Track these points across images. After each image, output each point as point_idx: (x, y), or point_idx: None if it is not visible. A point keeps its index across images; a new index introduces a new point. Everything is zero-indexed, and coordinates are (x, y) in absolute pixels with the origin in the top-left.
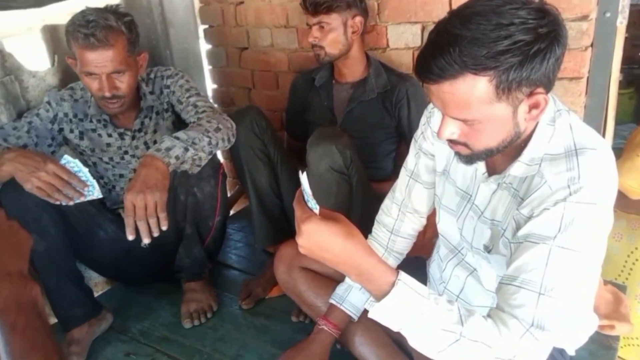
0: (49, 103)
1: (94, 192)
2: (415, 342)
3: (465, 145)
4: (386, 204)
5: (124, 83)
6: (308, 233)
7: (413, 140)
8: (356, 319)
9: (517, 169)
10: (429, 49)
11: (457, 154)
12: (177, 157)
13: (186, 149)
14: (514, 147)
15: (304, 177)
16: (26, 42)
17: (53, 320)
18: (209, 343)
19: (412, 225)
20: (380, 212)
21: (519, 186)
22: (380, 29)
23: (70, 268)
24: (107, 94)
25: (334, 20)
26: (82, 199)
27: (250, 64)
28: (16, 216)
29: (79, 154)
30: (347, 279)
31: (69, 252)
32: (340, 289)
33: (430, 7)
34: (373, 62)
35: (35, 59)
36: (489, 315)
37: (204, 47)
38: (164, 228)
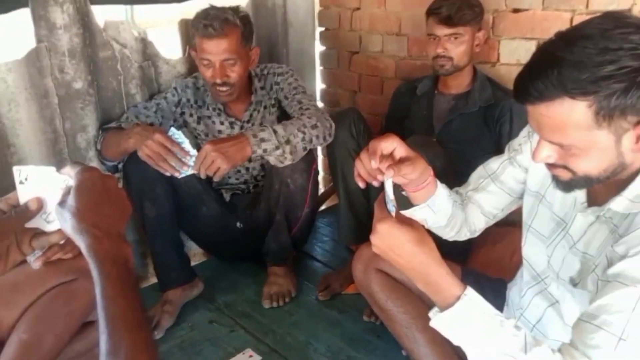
0: (175, 89)
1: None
2: (474, 359)
3: (566, 168)
4: (457, 189)
5: (234, 72)
6: (382, 233)
7: (507, 147)
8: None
9: (618, 204)
10: (528, 69)
11: (555, 179)
12: (265, 150)
13: (277, 147)
14: (619, 180)
15: (388, 181)
16: (164, 33)
17: (153, 280)
18: (283, 325)
19: (471, 216)
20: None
21: (619, 222)
22: (492, 42)
23: (174, 236)
24: (218, 81)
25: (467, 32)
26: (186, 169)
27: (359, 67)
28: (135, 184)
29: (194, 137)
30: None
31: (174, 221)
32: None
33: (549, 24)
34: (479, 75)
35: (169, 48)
36: (559, 350)
37: (318, 48)
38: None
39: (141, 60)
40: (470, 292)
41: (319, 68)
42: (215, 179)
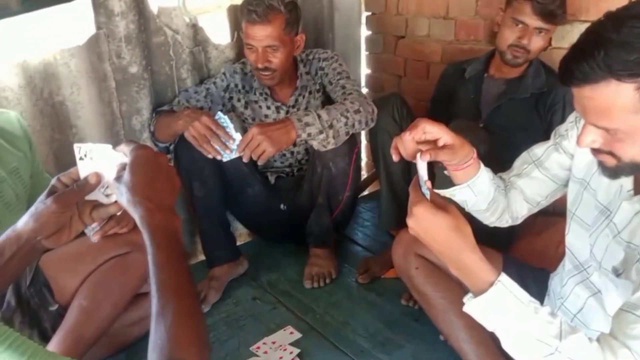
0: (224, 74)
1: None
2: (508, 345)
3: (611, 154)
4: (500, 174)
5: (276, 58)
6: (416, 216)
7: (554, 133)
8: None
9: None
10: (574, 50)
11: (601, 165)
12: (309, 134)
13: (320, 132)
14: None
15: (421, 164)
16: (214, 19)
17: (201, 257)
18: (322, 305)
19: (513, 203)
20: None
21: None
22: None
23: (221, 215)
24: (260, 66)
25: (552, 30)
26: (229, 153)
27: (405, 52)
28: (185, 165)
29: (242, 121)
30: None
31: (222, 202)
32: None
33: (605, 4)
34: (534, 60)
35: (219, 34)
36: (597, 339)
37: (364, 33)
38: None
39: (192, 45)
40: (504, 278)
41: (364, 53)
42: (259, 162)
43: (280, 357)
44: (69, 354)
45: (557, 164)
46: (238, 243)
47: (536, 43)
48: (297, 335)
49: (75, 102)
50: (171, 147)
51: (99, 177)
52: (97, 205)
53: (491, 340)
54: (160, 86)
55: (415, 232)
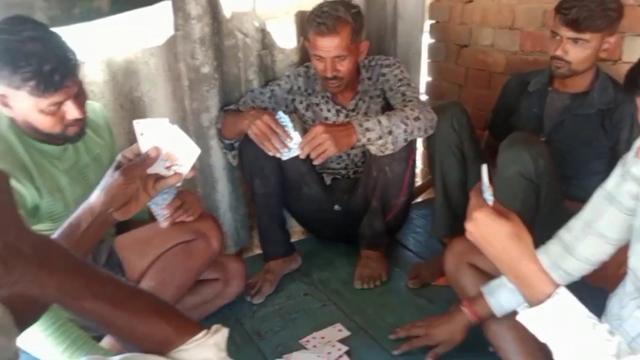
0: (288, 76)
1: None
2: (561, 358)
3: None
4: (571, 221)
5: (344, 67)
6: (477, 221)
7: (622, 161)
8: (498, 316)
9: None
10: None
11: None
12: (368, 139)
13: (380, 137)
14: None
15: (484, 169)
16: (282, 24)
17: (258, 251)
18: (372, 306)
19: (592, 250)
20: (562, 228)
21: None
22: (615, 39)
23: (278, 212)
24: (329, 75)
25: (595, 39)
26: (287, 151)
27: (467, 61)
28: (248, 163)
29: (303, 123)
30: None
31: (280, 199)
32: (494, 282)
33: None
34: (601, 75)
35: (285, 38)
36: None
37: (426, 40)
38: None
39: (260, 49)
40: (562, 291)
41: (425, 60)
42: (317, 162)
43: (329, 353)
44: None
45: (629, 194)
46: (292, 240)
47: (575, 53)
48: (346, 332)
49: (151, 99)
50: (236, 144)
51: (158, 151)
52: (159, 177)
53: (542, 354)
54: (229, 86)
55: (474, 237)
